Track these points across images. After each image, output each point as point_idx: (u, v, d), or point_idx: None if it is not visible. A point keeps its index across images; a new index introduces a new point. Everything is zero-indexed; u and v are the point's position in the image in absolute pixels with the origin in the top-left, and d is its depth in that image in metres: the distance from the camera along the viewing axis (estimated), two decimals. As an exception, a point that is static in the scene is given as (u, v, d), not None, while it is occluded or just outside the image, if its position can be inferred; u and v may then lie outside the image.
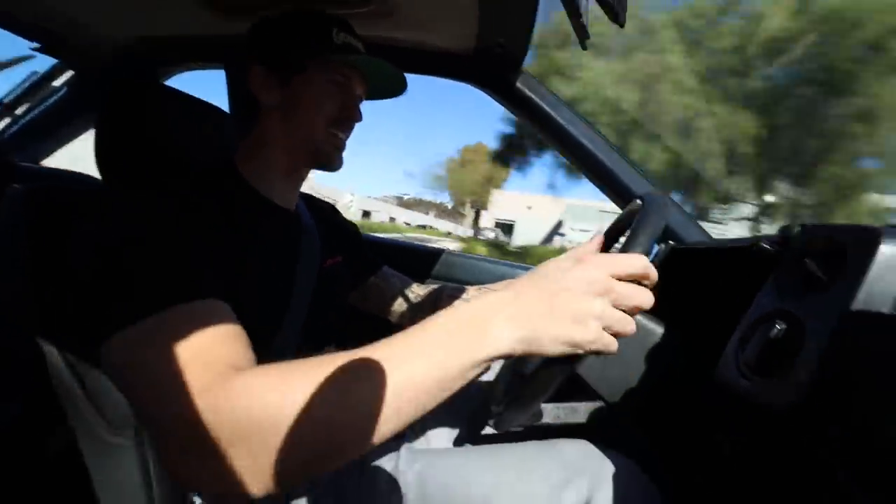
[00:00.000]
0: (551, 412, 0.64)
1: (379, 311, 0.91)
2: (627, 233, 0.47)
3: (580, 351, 0.39)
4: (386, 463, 0.65)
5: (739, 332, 0.55)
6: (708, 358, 0.57)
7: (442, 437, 0.80)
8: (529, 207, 31.90)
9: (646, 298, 0.40)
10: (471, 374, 0.38)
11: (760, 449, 0.50)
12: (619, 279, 0.40)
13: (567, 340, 0.38)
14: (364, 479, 0.64)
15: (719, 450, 0.57)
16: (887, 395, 0.38)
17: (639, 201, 0.51)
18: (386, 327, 0.58)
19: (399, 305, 0.90)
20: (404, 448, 0.68)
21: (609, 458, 0.62)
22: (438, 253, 1.24)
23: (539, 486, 0.59)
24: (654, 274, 0.41)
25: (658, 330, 0.65)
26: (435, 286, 0.91)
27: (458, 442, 0.80)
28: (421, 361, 0.37)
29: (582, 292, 0.39)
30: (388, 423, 0.36)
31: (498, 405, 0.59)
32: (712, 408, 0.59)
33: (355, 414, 0.35)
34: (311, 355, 0.39)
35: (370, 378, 0.36)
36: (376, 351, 0.37)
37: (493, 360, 0.38)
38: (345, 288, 0.81)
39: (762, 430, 0.50)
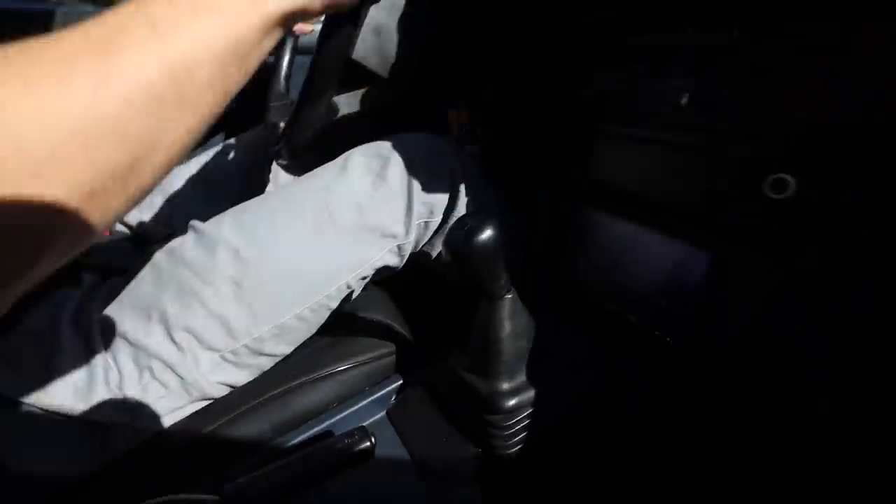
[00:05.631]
0: (344, 102, 0.61)
1: None
2: None
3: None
4: None
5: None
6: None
7: None
8: None
9: None
10: (266, 44, 0.32)
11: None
12: None
13: None
14: None
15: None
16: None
17: None
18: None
19: None
20: None
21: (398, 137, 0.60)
22: None
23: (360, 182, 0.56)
24: None
25: None
26: None
27: None
28: (200, 28, 0.28)
29: None
30: (184, 111, 0.27)
31: (285, 139, 0.55)
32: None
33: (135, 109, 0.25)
34: None
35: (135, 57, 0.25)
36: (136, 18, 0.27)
37: (282, 16, 0.32)
38: None
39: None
